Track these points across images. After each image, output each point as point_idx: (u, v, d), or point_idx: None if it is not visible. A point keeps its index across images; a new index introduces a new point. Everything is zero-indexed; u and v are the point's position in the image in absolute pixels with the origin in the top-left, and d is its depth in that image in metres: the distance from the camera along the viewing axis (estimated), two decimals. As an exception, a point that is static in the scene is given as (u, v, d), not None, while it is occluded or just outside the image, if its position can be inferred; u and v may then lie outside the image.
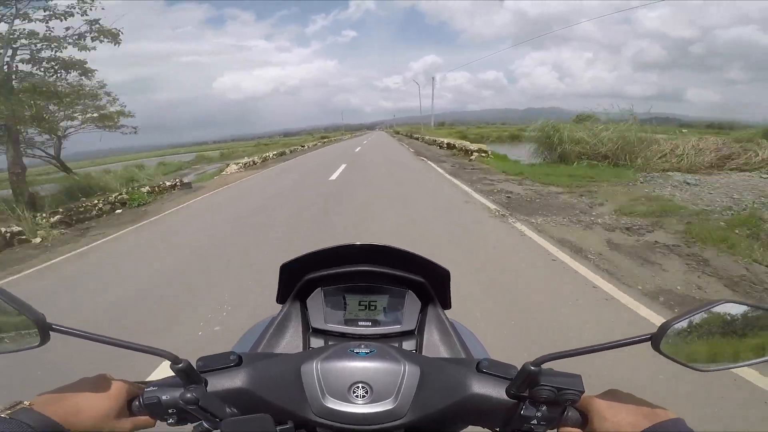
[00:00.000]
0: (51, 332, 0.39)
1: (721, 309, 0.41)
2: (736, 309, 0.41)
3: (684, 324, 0.41)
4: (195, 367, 0.45)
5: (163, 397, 0.44)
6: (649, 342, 0.40)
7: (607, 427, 0.41)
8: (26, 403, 0.38)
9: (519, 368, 0.45)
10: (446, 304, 0.69)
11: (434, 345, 0.63)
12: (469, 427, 0.52)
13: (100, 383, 0.44)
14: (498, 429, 0.48)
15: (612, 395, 0.45)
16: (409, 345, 0.63)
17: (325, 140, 43.20)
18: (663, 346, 0.41)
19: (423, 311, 0.67)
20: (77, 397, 0.41)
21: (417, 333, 0.65)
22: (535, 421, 0.44)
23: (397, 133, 57.88)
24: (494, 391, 0.46)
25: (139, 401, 0.45)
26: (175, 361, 0.42)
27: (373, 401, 0.43)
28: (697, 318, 0.41)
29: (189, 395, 0.41)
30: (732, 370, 0.45)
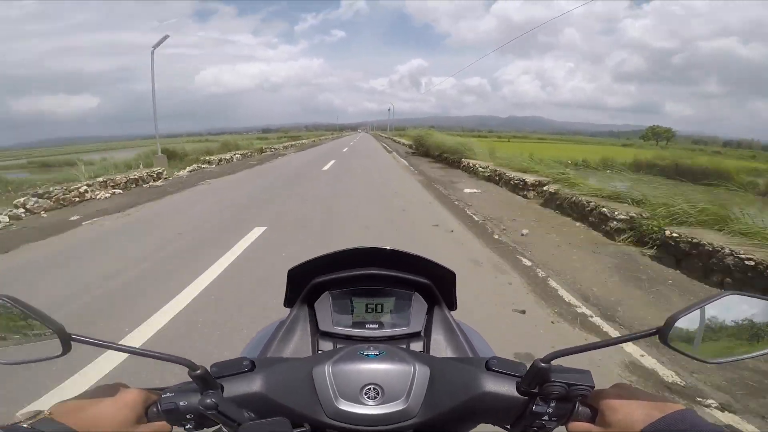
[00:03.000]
0: (72, 342, 0.39)
1: (726, 300, 0.41)
2: (740, 300, 0.42)
3: (690, 317, 0.41)
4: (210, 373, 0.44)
5: (181, 403, 0.43)
6: (656, 335, 0.40)
7: (619, 420, 0.41)
8: (46, 412, 0.37)
9: (528, 366, 0.45)
10: (452, 305, 0.69)
11: (441, 345, 0.64)
12: (480, 425, 0.52)
13: (117, 391, 0.43)
14: (509, 426, 0.48)
15: (621, 389, 0.45)
16: (416, 346, 0.64)
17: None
18: (671, 340, 0.41)
19: (429, 313, 0.67)
20: (96, 406, 0.40)
21: (424, 334, 0.66)
22: (546, 417, 0.45)
23: (412, 151, 18.50)
24: (505, 388, 0.46)
25: (157, 408, 0.44)
26: (192, 367, 0.42)
27: (384, 402, 0.44)
28: (702, 311, 0.41)
29: (208, 400, 0.41)
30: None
